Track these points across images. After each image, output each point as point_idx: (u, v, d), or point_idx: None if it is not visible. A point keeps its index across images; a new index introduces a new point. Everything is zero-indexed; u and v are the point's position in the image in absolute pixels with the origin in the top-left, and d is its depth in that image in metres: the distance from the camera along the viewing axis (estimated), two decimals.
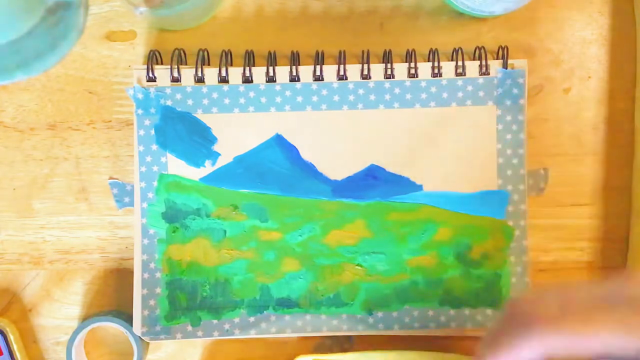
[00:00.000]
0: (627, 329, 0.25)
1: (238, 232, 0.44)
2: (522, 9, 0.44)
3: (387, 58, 0.43)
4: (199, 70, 0.43)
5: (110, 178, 0.45)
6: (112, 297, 0.45)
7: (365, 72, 0.43)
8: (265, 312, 0.44)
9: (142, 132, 0.43)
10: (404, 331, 0.44)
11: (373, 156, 0.44)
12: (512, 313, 0.29)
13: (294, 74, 0.43)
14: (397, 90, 0.44)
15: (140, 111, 0.43)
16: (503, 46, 0.44)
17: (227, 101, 0.43)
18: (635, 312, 0.26)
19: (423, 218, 0.44)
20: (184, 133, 0.43)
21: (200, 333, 0.44)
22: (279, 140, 0.44)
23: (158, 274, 0.44)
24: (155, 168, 0.44)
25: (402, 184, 0.44)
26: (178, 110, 0.43)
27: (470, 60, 0.44)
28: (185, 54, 0.44)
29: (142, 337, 0.43)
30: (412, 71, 0.44)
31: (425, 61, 0.44)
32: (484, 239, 0.44)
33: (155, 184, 0.44)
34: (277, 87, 0.43)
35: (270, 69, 0.43)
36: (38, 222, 0.45)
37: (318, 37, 0.45)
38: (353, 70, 0.44)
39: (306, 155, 0.44)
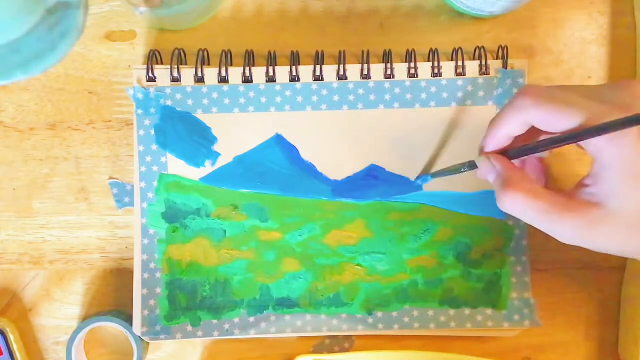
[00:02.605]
0: (592, 114, 0.30)
1: (238, 232, 0.44)
2: (522, 9, 0.44)
3: (387, 58, 0.43)
4: (199, 70, 0.43)
5: (110, 178, 0.45)
6: (112, 297, 0.45)
7: (365, 72, 0.43)
8: (265, 312, 0.44)
9: (142, 132, 0.43)
10: (404, 331, 0.44)
11: (373, 156, 0.44)
12: (515, 94, 0.34)
13: (294, 74, 0.43)
14: (397, 90, 0.44)
15: (140, 111, 0.43)
16: (503, 46, 0.44)
17: (227, 101, 0.43)
18: (608, 106, 0.30)
19: (423, 218, 0.44)
20: (184, 133, 0.43)
21: (200, 333, 0.44)
22: (279, 140, 0.44)
23: (158, 274, 0.44)
24: (155, 168, 0.44)
25: (402, 184, 0.44)
26: (178, 110, 0.43)
27: (470, 60, 0.44)
28: (185, 54, 0.44)
29: (142, 337, 0.43)
30: (412, 71, 0.44)
31: (425, 61, 0.44)
32: (484, 239, 0.44)
33: (155, 184, 0.44)
34: (277, 87, 0.43)
35: (270, 69, 0.43)
36: (38, 222, 0.45)
37: (318, 37, 0.45)
38: (353, 70, 0.44)
39: (306, 155, 0.44)
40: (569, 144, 0.32)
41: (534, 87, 0.33)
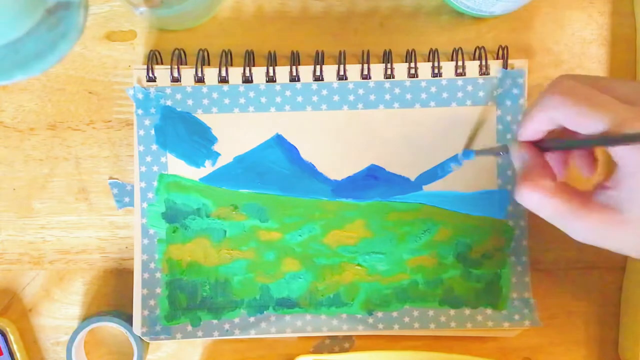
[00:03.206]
0: (625, 126, 0.29)
1: (238, 232, 0.44)
2: (522, 9, 0.44)
3: (387, 58, 0.43)
4: (199, 70, 0.43)
5: (110, 178, 0.45)
6: (112, 297, 0.45)
7: (365, 72, 0.43)
8: (265, 312, 0.44)
9: (142, 132, 0.43)
10: (404, 331, 0.44)
11: (373, 156, 0.44)
12: (548, 86, 0.34)
13: (294, 74, 0.43)
14: (397, 90, 0.44)
15: (140, 111, 0.43)
16: (503, 46, 0.44)
17: (227, 101, 0.43)
18: (629, 109, 0.30)
19: (423, 218, 0.44)
20: (184, 133, 0.43)
21: (200, 333, 0.44)
22: (279, 140, 0.44)
23: (158, 274, 0.44)
24: (155, 168, 0.44)
25: (402, 184, 0.44)
26: (178, 110, 0.43)
27: (470, 60, 0.44)
28: (185, 54, 0.44)
29: (142, 337, 0.43)
30: (412, 71, 0.44)
31: (425, 61, 0.44)
32: (484, 239, 0.44)
33: (155, 184, 0.44)
34: (277, 87, 0.43)
35: (270, 69, 0.43)
36: (38, 222, 0.45)
37: (318, 37, 0.45)
38: (353, 70, 0.44)
39: (306, 155, 0.44)
40: (593, 146, 0.32)
41: (564, 82, 0.32)
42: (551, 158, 0.37)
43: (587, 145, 0.32)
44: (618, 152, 0.31)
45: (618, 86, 0.33)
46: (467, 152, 0.43)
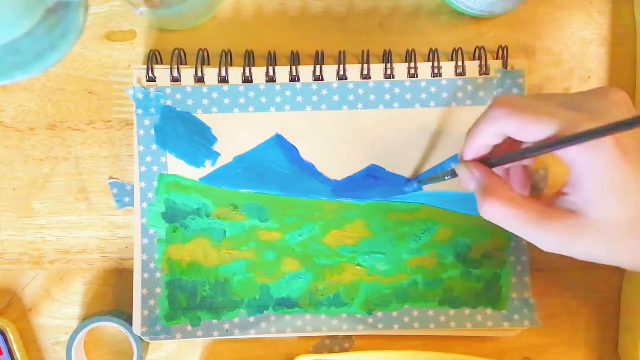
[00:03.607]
0: (564, 124, 0.30)
1: (238, 232, 0.44)
2: (522, 9, 0.44)
3: (387, 58, 0.43)
4: (199, 70, 0.43)
5: (110, 178, 0.45)
6: (112, 297, 0.45)
7: (365, 72, 0.43)
8: (265, 312, 0.44)
9: (142, 132, 0.43)
10: (404, 331, 0.44)
11: (373, 156, 0.44)
12: (488, 107, 0.34)
13: (294, 74, 0.43)
14: (397, 90, 0.44)
15: (140, 111, 0.43)
16: (503, 46, 0.44)
17: (227, 101, 0.43)
18: (582, 115, 0.30)
19: (423, 218, 0.44)
20: (184, 133, 0.43)
21: (200, 333, 0.44)
22: (279, 140, 0.44)
23: (158, 274, 0.44)
24: (155, 168, 0.44)
25: (402, 184, 0.44)
26: (178, 110, 0.43)
27: (470, 60, 0.44)
28: (185, 54, 0.44)
29: (142, 337, 0.43)
30: (412, 71, 0.44)
31: (425, 61, 0.44)
32: (484, 239, 0.44)
33: (155, 184, 0.44)
34: (277, 87, 0.43)
35: (270, 69, 0.43)
36: (38, 222, 0.45)
37: (318, 37, 0.45)
38: (353, 70, 0.44)
39: (306, 155, 0.44)
40: (542, 153, 0.32)
41: (507, 97, 0.33)
42: (516, 175, 0.38)
43: (536, 152, 0.32)
44: (570, 156, 0.31)
45: (556, 97, 0.33)
46: (413, 184, 0.43)
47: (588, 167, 0.30)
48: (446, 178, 0.39)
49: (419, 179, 0.43)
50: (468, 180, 0.35)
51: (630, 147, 0.30)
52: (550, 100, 0.33)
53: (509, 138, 0.34)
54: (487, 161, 0.35)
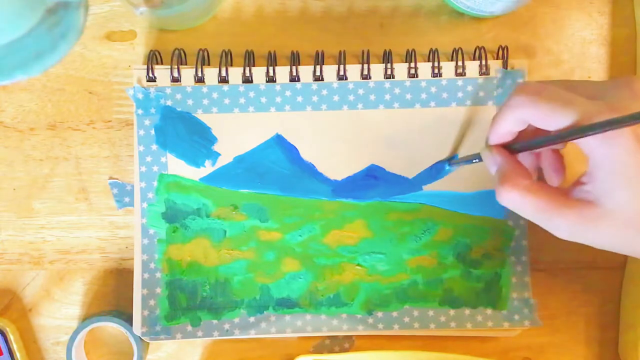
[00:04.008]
0: (586, 113, 0.30)
1: (238, 232, 0.44)
2: (522, 9, 0.44)
3: (387, 58, 0.43)
4: (199, 70, 0.43)
5: (110, 178, 0.45)
6: (112, 297, 0.45)
7: (365, 72, 0.43)
8: (265, 312, 0.44)
9: (142, 132, 0.43)
10: (404, 331, 0.44)
11: (373, 156, 0.44)
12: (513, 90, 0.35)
13: (294, 74, 0.43)
14: (397, 90, 0.44)
15: (140, 111, 0.43)
16: (503, 46, 0.44)
17: (227, 101, 0.43)
18: (603, 105, 0.30)
19: (423, 218, 0.44)
20: (184, 133, 0.43)
21: (200, 333, 0.44)
22: (279, 140, 0.44)
23: (158, 274, 0.44)
24: (155, 168, 0.44)
25: (402, 184, 0.44)
26: (178, 110, 0.43)
27: (470, 60, 0.44)
28: (185, 54, 0.44)
29: (142, 337, 0.43)
30: (412, 71, 0.44)
31: (425, 61, 0.44)
32: (484, 239, 0.44)
33: (155, 184, 0.44)
34: (277, 87, 0.43)
35: (270, 69, 0.43)
36: (38, 222, 0.45)
37: (318, 37, 0.45)
38: (353, 70, 0.44)
39: (306, 155, 0.44)
40: (560, 142, 0.32)
41: (530, 84, 0.33)
42: (546, 159, 0.37)
43: (557, 140, 0.32)
44: (588, 146, 0.31)
45: (580, 85, 0.34)
46: (442, 165, 0.43)
47: (605, 157, 0.30)
48: (474, 161, 0.39)
49: (450, 161, 0.43)
50: (490, 165, 0.36)
51: None
52: (574, 87, 0.33)
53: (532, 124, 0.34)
54: (511, 147, 0.35)
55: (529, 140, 0.35)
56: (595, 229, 0.31)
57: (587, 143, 0.31)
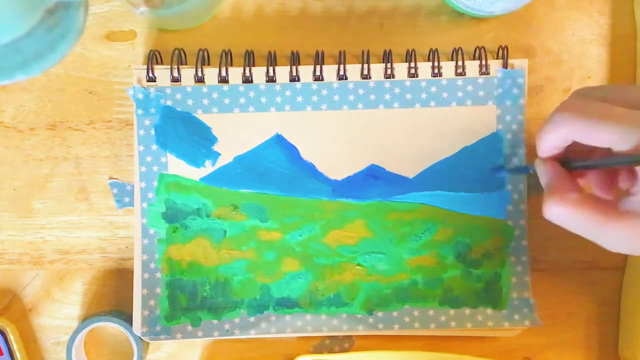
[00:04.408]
0: (630, 127, 0.30)
1: (238, 232, 0.44)
2: (522, 9, 0.44)
3: (387, 58, 0.43)
4: (199, 70, 0.43)
5: (110, 178, 0.45)
6: (112, 297, 0.45)
7: (365, 72, 0.43)
8: (265, 312, 0.44)
9: (142, 132, 0.43)
10: (404, 331, 0.44)
11: (373, 156, 0.44)
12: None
13: (294, 74, 0.43)
14: (397, 90, 0.44)
15: (140, 111, 0.43)
16: (503, 46, 0.44)
17: (227, 101, 0.43)
18: None
19: (423, 218, 0.44)
20: (184, 133, 0.43)
21: (200, 333, 0.44)
22: (279, 140, 0.44)
23: (158, 274, 0.44)
24: (155, 168, 0.44)
25: (402, 184, 0.44)
26: (178, 110, 0.43)
27: (470, 60, 0.44)
28: (185, 54, 0.44)
29: (142, 337, 0.43)
30: (412, 71, 0.44)
31: (425, 61, 0.44)
32: (484, 239, 0.44)
33: (155, 184, 0.44)
34: (277, 87, 0.43)
35: (270, 69, 0.43)
36: (38, 222, 0.45)
37: (318, 37, 0.45)
38: (353, 70, 0.44)
39: (306, 155, 0.44)
40: (622, 165, 0.31)
41: (576, 100, 0.33)
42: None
43: (615, 164, 0.32)
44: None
45: (632, 90, 0.33)
46: (501, 171, 0.43)
47: None
48: (531, 171, 0.38)
49: (508, 168, 0.43)
50: (541, 176, 0.35)
51: None
52: (619, 96, 0.32)
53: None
54: (568, 164, 0.35)
55: (584, 159, 0.34)
56: None
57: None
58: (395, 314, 0.44)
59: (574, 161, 0.35)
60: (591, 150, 0.35)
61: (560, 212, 0.32)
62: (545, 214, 0.33)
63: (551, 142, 0.34)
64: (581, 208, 0.32)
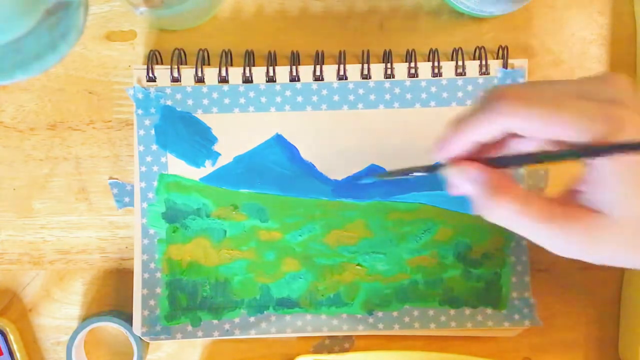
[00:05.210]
0: (589, 120, 0.27)
1: (238, 232, 0.44)
2: (522, 9, 0.44)
3: (387, 58, 0.43)
4: (199, 70, 0.43)
5: (110, 178, 0.45)
6: (112, 297, 0.45)
7: (365, 72, 0.43)
8: (265, 312, 0.44)
9: (142, 132, 0.43)
10: (404, 331, 0.44)
11: (373, 156, 0.44)
12: (483, 95, 0.30)
13: (294, 74, 0.43)
14: (397, 90, 0.44)
15: (140, 111, 0.43)
16: (503, 46, 0.44)
17: (227, 101, 0.43)
18: (602, 107, 0.27)
19: (423, 218, 0.44)
20: (184, 133, 0.43)
21: (200, 333, 0.44)
22: (279, 140, 0.44)
23: (158, 274, 0.44)
24: (155, 168, 0.44)
25: (402, 184, 0.44)
26: (178, 110, 0.43)
27: (470, 60, 0.44)
28: (185, 54, 0.44)
29: (142, 337, 0.43)
30: (412, 71, 0.44)
31: (425, 61, 0.44)
32: (484, 239, 0.44)
33: (155, 184, 0.44)
34: (277, 87, 0.43)
35: (270, 69, 0.43)
36: (38, 222, 0.45)
37: (318, 37, 0.45)
38: (353, 70, 0.44)
39: (306, 155, 0.44)
40: (570, 160, 0.28)
41: (513, 87, 0.29)
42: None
43: (562, 158, 0.28)
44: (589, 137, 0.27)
45: (565, 85, 0.30)
46: (370, 178, 0.42)
47: (612, 163, 0.28)
48: (417, 173, 0.34)
49: (379, 174, 0.40)
50: (462, 182, 0.31)
51: None
52: (559, 88, 0.29)
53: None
54: (483, 160, 0.31)
55: (514, 154, 0.31)
56: (603, 241, 0.29)
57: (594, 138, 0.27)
58: (395, 314, 0.44)
59: (497, 158, 0.31)
60: (499, 143, 0.31)
61: (505, 212, 0.29)
62: (487, 215, 0.30)
63: (479, 137, 0.30)
64: (527, 206, 0.29)
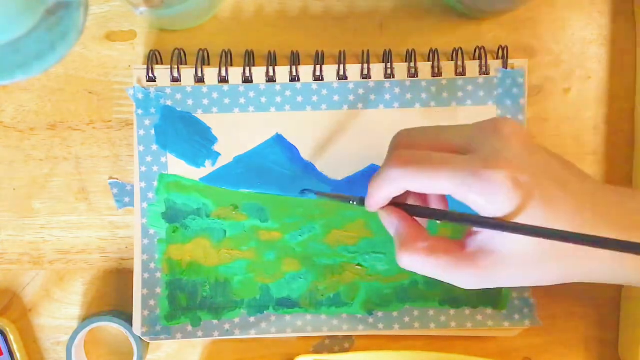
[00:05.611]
0: (465, 186, 0.30)
1: (238, 232, 0.44)
2: (522, 9, 0.44)
3: (387, 58, 0.43)
4: (199, 70, 0.43)
5: (110, 178, 0.45)
6: (112, 297, 0.45)
7: (365, 72, 0.43)
8: (265, 312, 0.44)
9: (142, 132, 0.43)
10: (404, 331, 0.44)
11: (373, 156, 0.44)
12: (389, 152, 0.35)
13: (294, 74, 0.43)
14: (397, 90, 0.44)
15: (140, 111, 0.43)
16: (503, 46, 0.44)
17: (227, 101, 0.43)
18: (478, 168, 0.30)
19: None
20: (184, 133, 0.43)
21: (200, 333, 0.44)
22: (279, 140, 0.44)
23: (158, 274, 0.44)
24: (155, 168, 0.44)
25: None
26: (178, 110, 0.43)
27: (470, 60, 0.44)
28: (185, 54, 0.44)
29: (142, 337, 0.43)
30: (412, 71, 0.44)
31: (425, 61, 0.44)
32: None
33: (155, 184, 0.44)
34: (277, 87, 0.43)
35: (270, 69, 0.43)
36: (38, 222, 0.45)
37: (318, 37, 0.45)
38: (353, 70, 0.44)
39: (306, 155, 0.44)
40: (464, 224, 0.33)
41: (401, 154, 0.33)
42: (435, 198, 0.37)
43: (457, 222, 0.33)
44: (475, 204, 0.31)
45: (450, 133, 0.34)
46: (309, 193, 0.43)
47: (490, 211, 0.31)
48: (352, 203, 0.37)
49: (319, 193, 0.42)
50: (387, 225, 0.35)
51: (523, 182, 0.30)
52: (445, 140, 0.33)
53: None
54: (410, 209, 0.35)
55: (426, 208, 0.35)
56: (498, 274, 0.32)
57: (472, 200, 0.31)
58: (395, 314, 0.44)
59: (414, 207, 0.35)
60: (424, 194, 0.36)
61: (413, 263, 0.33)
62: (399, 263, 0.34)
63: (386, 195, 0.34)
64: (431, 256, 0.33)
